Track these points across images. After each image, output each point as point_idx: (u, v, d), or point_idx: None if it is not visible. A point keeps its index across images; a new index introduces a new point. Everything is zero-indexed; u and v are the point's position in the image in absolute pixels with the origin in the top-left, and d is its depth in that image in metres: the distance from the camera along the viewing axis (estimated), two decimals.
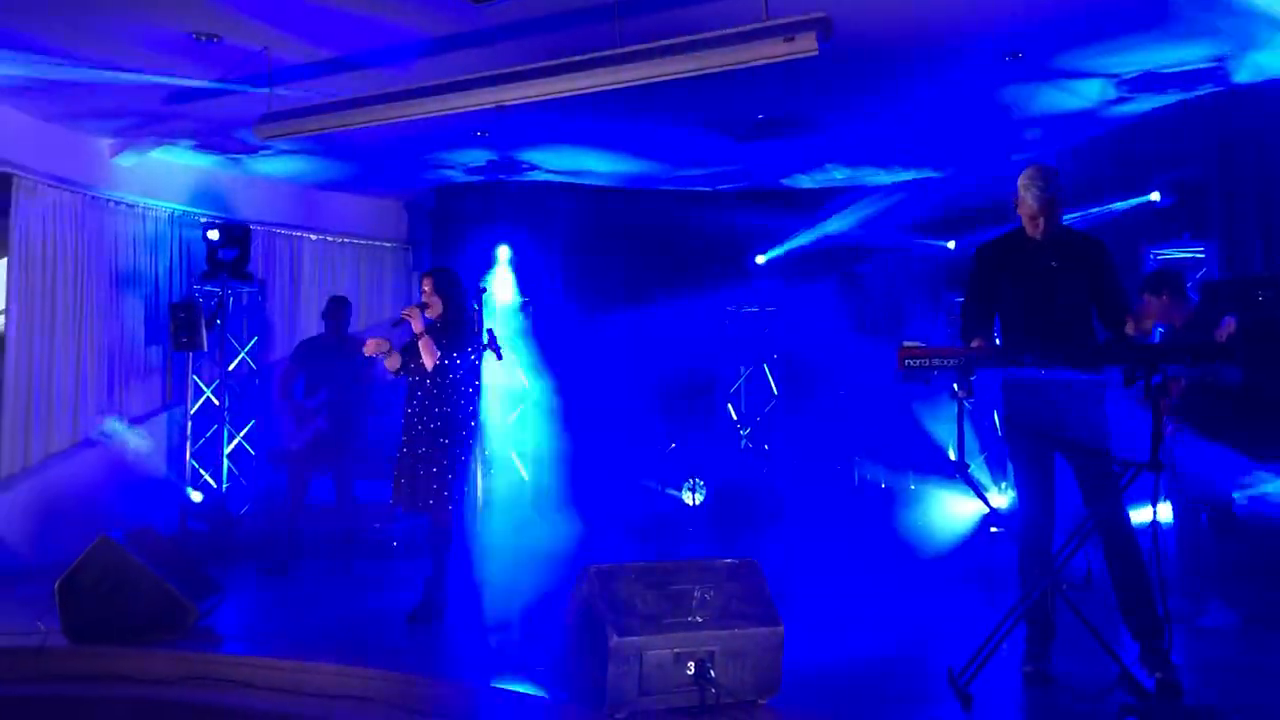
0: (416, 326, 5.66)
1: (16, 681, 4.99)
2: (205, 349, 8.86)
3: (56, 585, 5.20)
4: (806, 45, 5.05)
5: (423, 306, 5.74)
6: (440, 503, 5.58)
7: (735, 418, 10.38)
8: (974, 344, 4.48)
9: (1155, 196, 7.65)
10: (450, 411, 5.68)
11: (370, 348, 5.75)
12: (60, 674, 5.02)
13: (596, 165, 9.45)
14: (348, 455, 7.76)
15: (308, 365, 7.99)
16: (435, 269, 5.96)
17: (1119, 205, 7.80)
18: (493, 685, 4.41)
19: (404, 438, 5.76)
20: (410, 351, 5.80)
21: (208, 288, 9.11)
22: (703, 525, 9.37)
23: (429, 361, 5.66)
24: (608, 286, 10.11)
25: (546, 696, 4.12)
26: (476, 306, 5.80)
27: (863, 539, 7.96)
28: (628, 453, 9.41)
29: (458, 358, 5.72)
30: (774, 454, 9.80)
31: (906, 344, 4.15)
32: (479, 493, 5.51)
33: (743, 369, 10.52)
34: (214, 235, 8.95)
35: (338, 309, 8.10)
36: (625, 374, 9.49)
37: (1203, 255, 7.50)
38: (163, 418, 9.11)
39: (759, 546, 7.58)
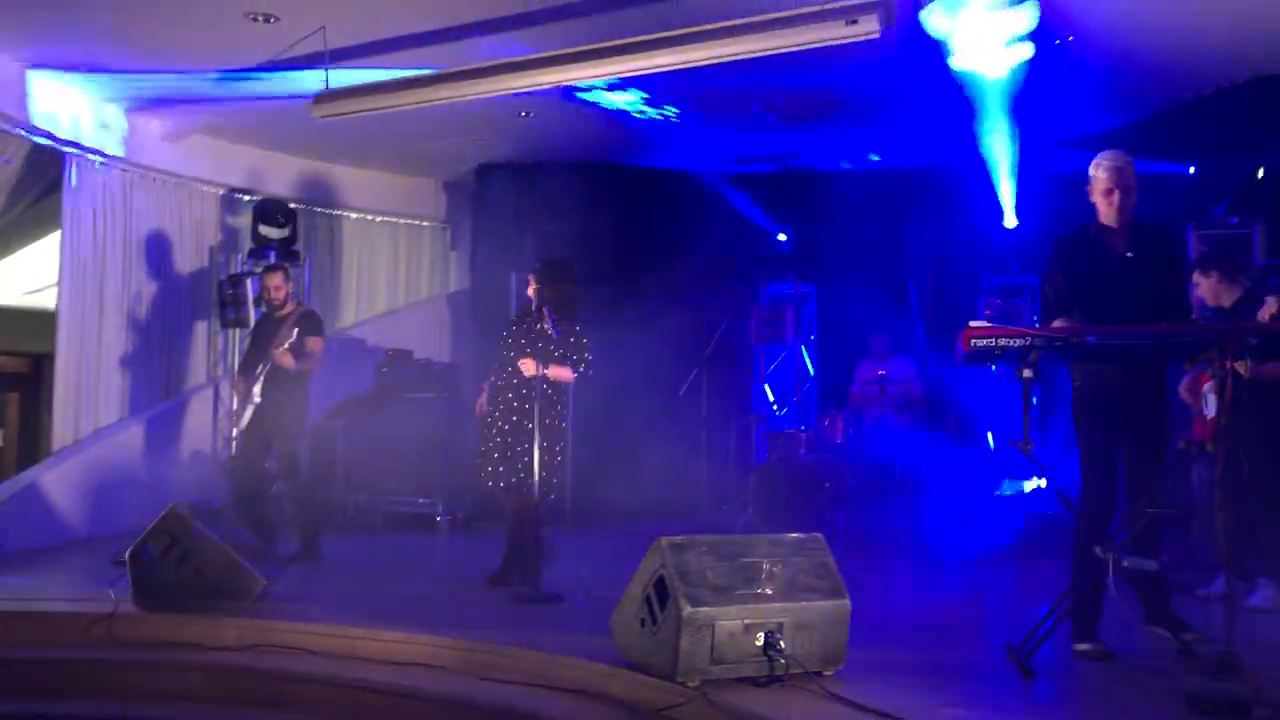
0: (532, 370, 5.74)
1: (89, 646, 5.09)
2: (251, 325, 8.94)
3: (128, 554, 5.30)
4: (868, 28, 5.09)
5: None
6: (529, 478, 5.74)
7: (772, 398, 10.43)
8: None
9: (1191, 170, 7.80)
10: (549, 391, 5.86)
11: (528, 367, 5.78)
12: (131, 640, 5.11)
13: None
14: (285, 433, 7.07)
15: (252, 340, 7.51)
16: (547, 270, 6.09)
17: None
18: (563, 654, 4.49)
19: (495, 412, 5.92)
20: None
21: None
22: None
23: (567, 379, 5.86)
24: (634, 271, 9.79)
25: (617, 665, 4.20)
26: (531, 288, 5.88)
27: (926, 515, 8.04)
28: (679, 431, 9.34)
29: (587, 354, 5.92)
30: (810, 435, 9.83)
31: (973, 324, 4.20)
32: (557, 468, 5.65)
33: (778, 351, 10.56)
34: (274, 225, 8.99)
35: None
36: (662, 357, 9.49)
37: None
38: (208, 392, 9.23)
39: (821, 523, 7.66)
